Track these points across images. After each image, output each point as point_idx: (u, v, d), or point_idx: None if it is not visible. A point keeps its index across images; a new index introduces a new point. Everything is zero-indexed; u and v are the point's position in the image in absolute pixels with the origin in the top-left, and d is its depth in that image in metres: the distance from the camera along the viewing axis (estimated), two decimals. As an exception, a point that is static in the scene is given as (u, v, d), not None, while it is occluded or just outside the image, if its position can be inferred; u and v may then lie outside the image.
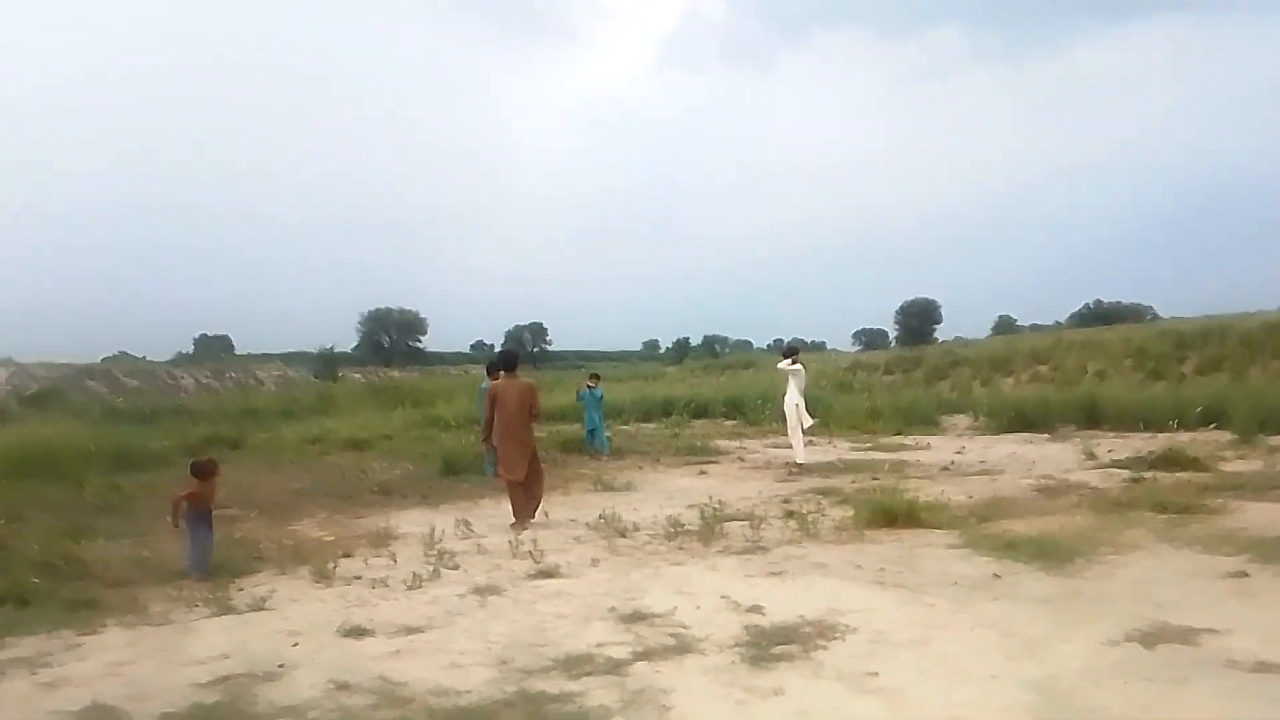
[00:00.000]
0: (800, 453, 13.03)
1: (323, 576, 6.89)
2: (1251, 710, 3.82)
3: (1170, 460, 11.16)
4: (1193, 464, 11.02)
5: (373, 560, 7.45)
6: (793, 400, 13.16)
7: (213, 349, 71.40)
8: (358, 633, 5.41)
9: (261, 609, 6.12)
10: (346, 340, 73.78)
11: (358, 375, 48.88)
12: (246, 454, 15.87)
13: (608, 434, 16.33)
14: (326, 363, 50.13)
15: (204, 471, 7.55)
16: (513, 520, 9.07)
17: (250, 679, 4.67)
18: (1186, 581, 5.98)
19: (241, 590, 6.63)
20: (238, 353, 67.03)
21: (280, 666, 4.85)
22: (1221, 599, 5.54)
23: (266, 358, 58.78)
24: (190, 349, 72.61)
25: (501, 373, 10.02)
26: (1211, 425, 14.56)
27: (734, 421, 21.31)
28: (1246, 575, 6.03)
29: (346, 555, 7.68)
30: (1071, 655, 4.59)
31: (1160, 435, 13.95)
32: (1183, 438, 12.83)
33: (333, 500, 10.84)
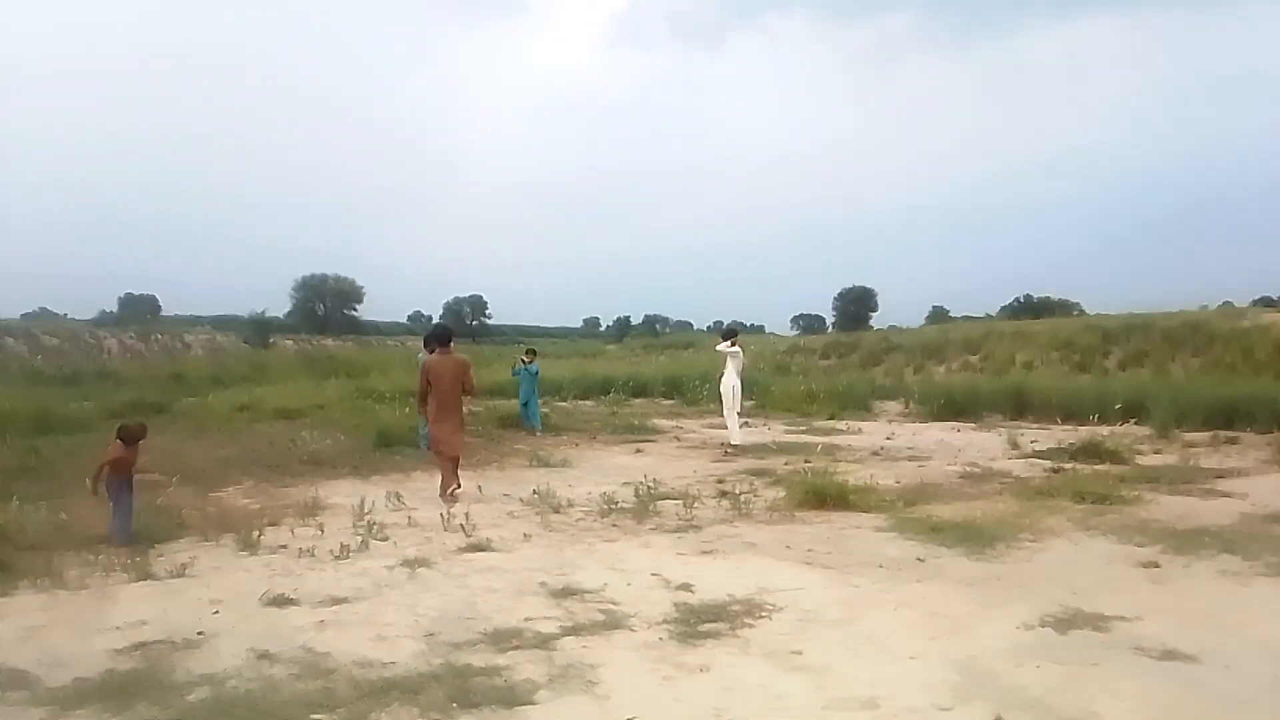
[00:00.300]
0: (735, 434, 13.15)
1: (247, 545, 6.76)
2: (1157, 693, 3.97)
3: (1090, 451, 11.53)
4: (1111, 456, 11.40)
5: (299, 530, 7.32)
6: (729, 382, 13.25)
7: (138, 309, 68.99)
8: (282, 602, 5.32)
9: (182, 576, 5.99)
10: (279, 306, 72.05)
11: (290, 343, 47.89)
12: (172, 420, 15.46)
13: (544, 410, 16.27)
14: (258, 329, 48.72)
15: (133, 436, 7.34)
16: (441, 492, 9.04)
17: (168, 646, 4.58)
18: (1101, 569, 6.19)
19: (162, 557, 6.48)
20: (165, 314, 64.99)
21: (200, 634, 4.76)
22: (1134, 587, 5.74)
23: (195, 321, 57.24)
24: (114, 308, 70.24)
25: (436, 347, 9.82)
26: (1131, 419, 15.06)
27: (672, 401, 21.40)
28: (1158, 565, 6.25)
29: (273, 524, 7.54)
30: (991, 636, 4.72)
31: (1082, 427, 14.39)
32: (1103, 430, 13.27)
33: (260, 469, 10.61)
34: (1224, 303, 39.14)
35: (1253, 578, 5.92)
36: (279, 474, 10.36)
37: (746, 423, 16.24)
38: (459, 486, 9.07)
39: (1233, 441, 13.40)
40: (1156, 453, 12.41)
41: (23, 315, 48.20)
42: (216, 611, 5.18)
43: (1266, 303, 44.06)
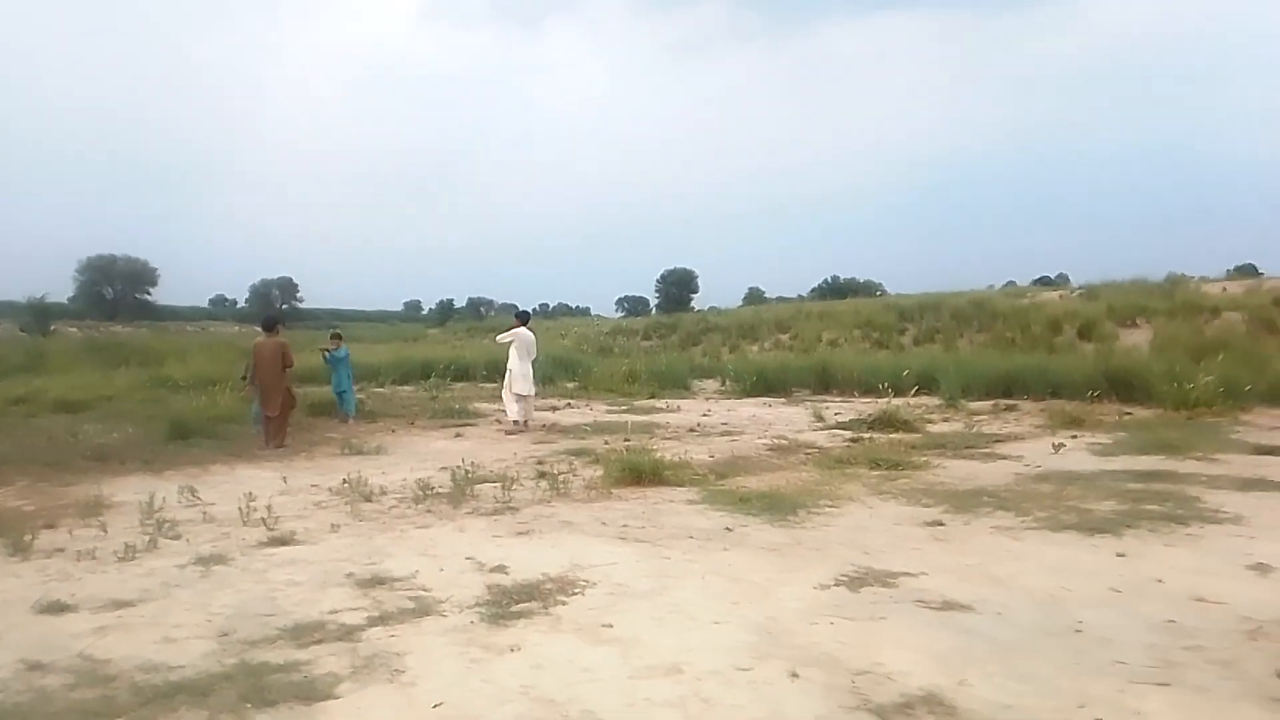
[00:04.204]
0: (511, 411, 13.49)
1: (19, 549, 6.16)
2: (937, 642, 4.29)
3: (886, 422, 12.35)
4: (905, 425, 12.24)
5: (79, 531, 6.74)
6: (510, 364, 13.64)
7: (-108, 296, 61.44)
8: (57, 609, 4.90)
9: (-59, 588, 5.40)
10: (61, 290, 66.04)
11: (75, 330, 44.01)
12: (-69, 416, 13.89)
13: (359, 396, 15.71)
14: (37, 315, 44.39)
15: None
16: (264, 446, 11.35)
17: (-77, 663, 4.12)
18: (891, 529, 6.64)
19: (-84, 567, 5.81)
20: (-75, 301, 58.18)
21: (-38, 649, 4.31)
22: (920, 545, 6.20)
23: (-39, 308, 51.67)
24: None
25: (262, 331, 12.28)
26: (923, 391, 16.20)
27: (495, 384, 21.14)
28: (942, 524, 6.79)
29: (49, 526, 6.90)
30: (789, 598, 4.97)
31: (880, 399, 15.35)
32: (898, 401, 14.19)
33: (37, 467, 9.69)
34: (1008, 283, 42.88)
35: (1023, 532, 6.52)
36: (58, 471, 9.49)
37: (569, 404, 16.43)
38: (285, 441, 11.59)
39: (1011, 409, 14.69)
40: (945, 421, 13.43)
41: None
42: (-20, 623, 4.71)
43: (1045, 283, 48.58)
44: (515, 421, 13.34)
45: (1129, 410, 13.99)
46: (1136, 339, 20.63)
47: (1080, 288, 29.58)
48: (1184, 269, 28.79)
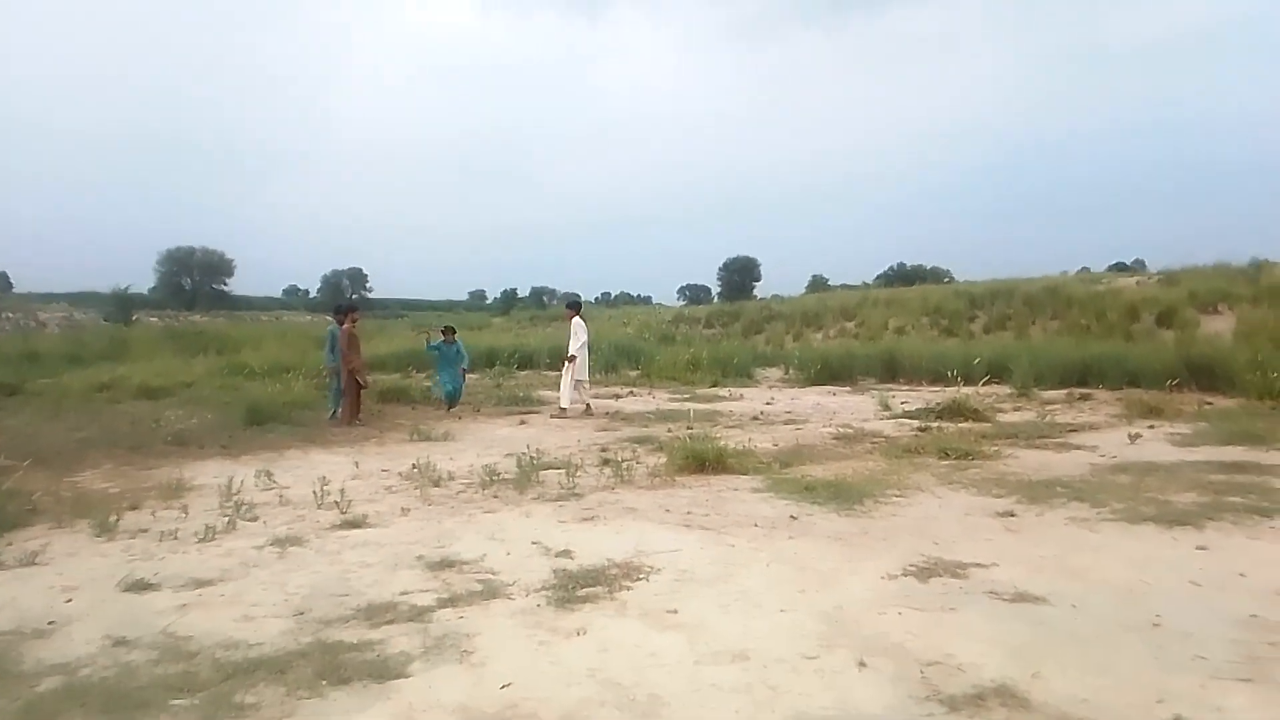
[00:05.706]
0: (565, 398, 13.87)
1: (105, 530, 6.40)
2: (1009, 634, 4.20)
3: (955, 411, 12.10)
4: (975, 414, 11.98)
5: (162, 513, 6.99)
6: (571, 352, 14.04)
7: (-15, 287, 64.32)
8: (141, 587, 5.08)
9: (33, 564, 5.64)
10: (143, 281, 68.36)
11: (155, 319, 45.53)
12: (24, 401, 14.54)
13: (428, 384, 15.90)
14: (120, 305, 45.99)
15: None
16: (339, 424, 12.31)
17: (16, 636, 4.32)
18: (961, 520, 6.51)
19: (10, 545, 6.08)
20: (16, 291, 60.74)
21: (51, 623, 4.51)
22: (991, 535, 6.07)
23: (50, 298, 53.92)
24: (-42, 286, 65.26)
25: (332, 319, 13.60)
26: (994, 380, 15.83)
27: (558, 372, 21.28)
28: (1014, 514, 6.63)
29: (133, 508, 7.16)
30: (856, 587, 4.91)
31: (948, 388, 15.05)
32: (968, 390, 13.89)
33: (121, 451, 10.06)
34: (1082, 269, 41.71)
35: (1099, 523, 6.33)
36: (141, 455, 9.85)
37: (631, 392, 16.52)
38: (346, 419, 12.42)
39: (1086, 398, 14.28)
40: (1016, 410, 13.11)
41: None
42: (70, 599, 4.91)
43: (1120, 268, 47.18)
44: (563, 408, 13.70)
45: (1210, 400, 13.49)
46: (1219, 326, 19.87)
47: (1159, 273, 28.57)
48: (1270, 254, 27.42)
